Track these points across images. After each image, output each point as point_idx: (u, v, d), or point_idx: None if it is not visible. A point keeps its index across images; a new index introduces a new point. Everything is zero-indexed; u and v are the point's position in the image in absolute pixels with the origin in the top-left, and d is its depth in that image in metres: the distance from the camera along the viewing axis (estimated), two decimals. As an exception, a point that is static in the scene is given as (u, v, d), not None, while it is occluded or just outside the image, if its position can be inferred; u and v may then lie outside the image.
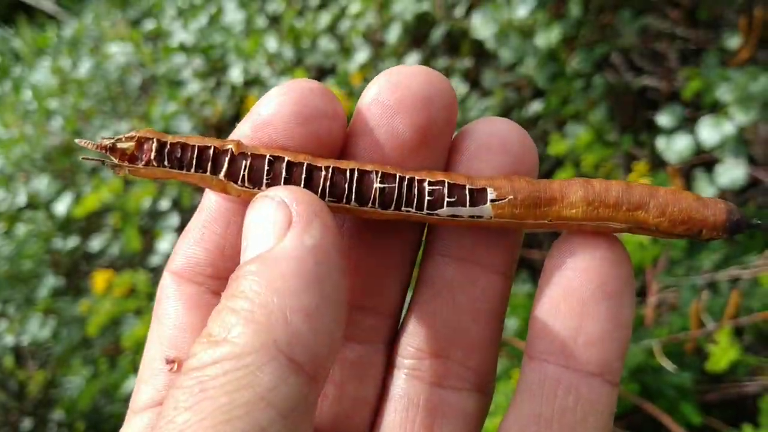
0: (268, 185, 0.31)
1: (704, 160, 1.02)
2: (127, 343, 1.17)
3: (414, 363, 0.34)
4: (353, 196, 0.31)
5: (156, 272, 1.34)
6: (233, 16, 1.57)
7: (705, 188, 0.98)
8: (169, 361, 0.32)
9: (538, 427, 0.30)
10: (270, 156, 0.31)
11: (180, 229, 1.35)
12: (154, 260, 1.33)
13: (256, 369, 0.25)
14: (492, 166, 0.32)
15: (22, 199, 1.39)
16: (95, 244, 1.37)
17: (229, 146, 0.31)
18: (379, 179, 0.31)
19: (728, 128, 0.95)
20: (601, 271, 0.30)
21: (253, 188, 0.31)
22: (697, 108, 1.13)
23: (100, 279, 1.23)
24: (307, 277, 0.26)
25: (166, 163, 0.31)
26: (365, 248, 0.34)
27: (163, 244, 1.31)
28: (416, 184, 0.31)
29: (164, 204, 1.33)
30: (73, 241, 1.39)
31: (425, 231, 0.35)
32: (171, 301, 0.34)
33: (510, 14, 1.15)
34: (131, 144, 0.31)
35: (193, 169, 0.31)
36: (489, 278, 0.33)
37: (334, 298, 0.27)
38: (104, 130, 1.38)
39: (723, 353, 0.85)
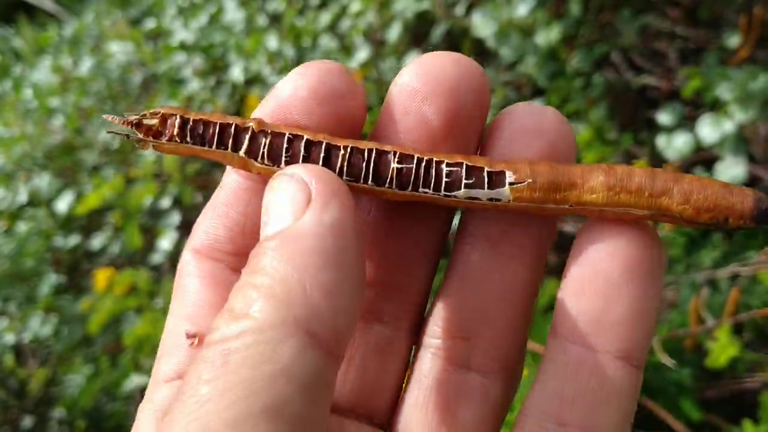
0: (287, 163, 0.31)
1: (704, 158, 1.02)
2: (128, 341, 1.17)
3: (439, 344, 0.34)
4: (370, 176, 0.31)
5: (157, 270, 1.34)
6: (234, 15, 1.58)
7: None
8: (190, 336, 0.33)
9: (561, 407, 0.30)
10: (289, 134, 0.31)
11: (180, 228, 1.35)
12: (155, 258, 1.34)
13: (277, 344, 0.25)
14: (526, 153, 0.32)
15: (23, 197, 1.39)
16: (96, 242, 1.37)
17: (250, 124, 0.31)
18: (396, 159, 0.31)
19: (728, 126, 0.96)
20: (630, 253, 0.30)
21: (273, 165, 0.31)
22: (696, 106, 1.13)
23: (101, 277, 1.24)
24: (325, 255, 0.27)
25: (188, 139, 0.32)
26: (393, 232, 0.34)
27: (163, 243, 1.32)
28: (434, 165, 0.31)
29: (165, 203, 1.33)
30: (74, 240, 1.39)
31: (456, 215, 0.35)
32: (191, 277, 0.34)
33: (510, 13, 1.15)
34: (156, 120, 0.32)
35: (214, 146, 0.32)
36: (518, 266, 0.33)
37: (352, 276, 0.27)
38: (105, 129, 1.38)
39: (722, 350, 0.86)
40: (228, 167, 0.34)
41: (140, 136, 0.32)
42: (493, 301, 0.33)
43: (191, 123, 0.32)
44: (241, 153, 0.31)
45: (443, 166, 0.31)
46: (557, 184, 0.30)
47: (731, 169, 0.96)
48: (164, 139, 0.32)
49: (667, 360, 0.89)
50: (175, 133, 0.32)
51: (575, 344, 0.30)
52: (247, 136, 0.31)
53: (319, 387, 0.26)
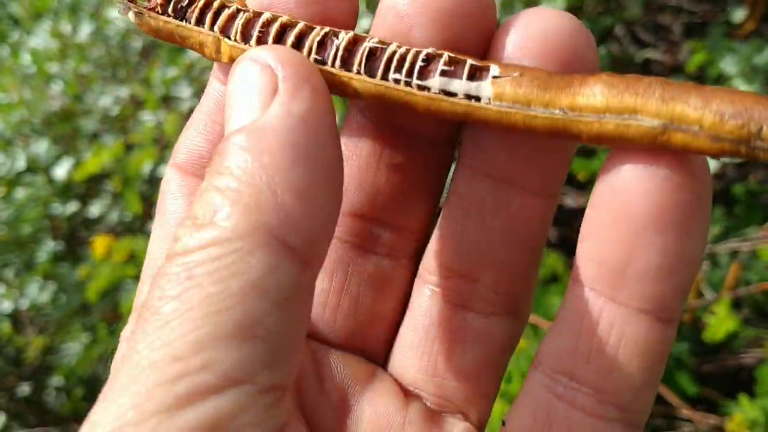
0: (258, 41, 0.29)
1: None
2: (126, 309, 1.17)
3: (439, 282, 0.31)
4: (339, 57, 0.27)
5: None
6: (235, -17, 1.56)
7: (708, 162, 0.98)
8: None
9: (575, 362, 0.27)
10: (269, 14, 0.29)
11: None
12: (154, 226, 1.33)
13: (247, 254, 0.23)
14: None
15: (21, 163, 1.39)
16: (94, 209, 1.37)
17: (234, 3, 0.30)
18: (372, 42, 0.27)
19: (732, 100, 0.95)
20: (662, 194, 0.24)
21: (243, 44, 0.29)
22: (701, 81, 1.12)
23: (99, 244, 1.23)
24: (297, 150, 0.24)
25: (170, 11, 0.31)
26: (387, 161, 0.31)
27: (162, 211, 1.31)
28: (412, 52, 0.27)
29: (164, 170, 1.32)
30: (72, 207, 1.38)
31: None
32: (173, 196, 0.32)
33: (515, -17, 1.14)
34: None
35: (193, 22, 0.30)
36: (526, 200, 0.29)
37: (328, 173, 0.25)
38: (104, 96, 1.37)
39: (721, 323, 0.86)
40: (210, 77, 0.32)
41: (126, 1, 0.32)
42: (499, 236, 0.30)
43: None
44: (216, 29, 0.30)
45: (423, 54, 0.27)
46: (549, 82, 0.25)
47: (734, 144, 0.95)
48: (147, 8, 0.31)
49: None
50: (159, 2, 0.31)
51: (594, 293, 0.26)
52: (227, 12, 0.30)
53: (296, 300, 0.24)
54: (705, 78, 1.05)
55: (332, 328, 0.33)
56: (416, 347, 0.32)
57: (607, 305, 0.26)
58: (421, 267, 0.32)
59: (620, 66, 1.22)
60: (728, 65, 0.96)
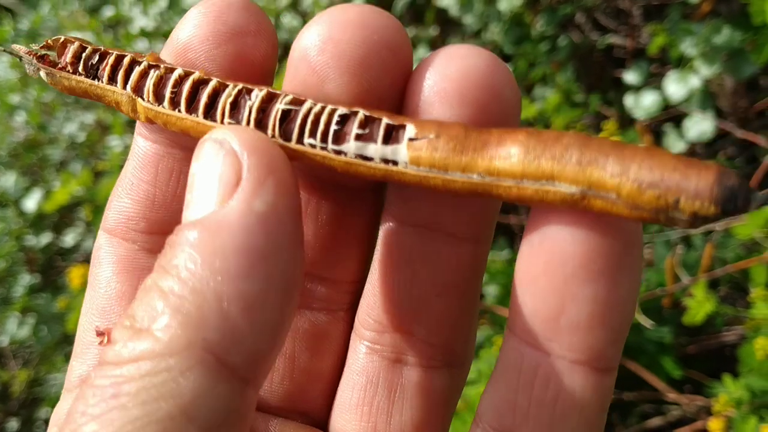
0: (171, 101, 0.27)
1: (672, 116, 1.02)
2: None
3: (374, 337, 0.30)
4: (252, 122, 0.26)
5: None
6: (193, -2, 1.55)
7: (675, 143, 0.99)
8: (100, 333, 0.28)
9: (514, 418, 0.26)
10: (181, 71, 0.27)
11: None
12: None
13: (179, 374, 0.20)
14: (448, 116, 0.25)
15: (-10, 197, 1.38)
16: (68, 239, 1.36)
17: (145, 58, 0.28)
18: (284, 101, 0.26)
19: (694, 82, 0.95)
20: (589, 242, 0.23)
21: (157, 105, 0.27)
22: (662, 63, 1.13)
23: (75, 275, 1.22)
24: (252, 255, 0.22)
25: (81, 70, 0.29)
26: (316, 216, 0.30)
27: (137, 235, 1.30)
28: (327, 111, 0.25)
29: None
30: (45, 238, 1.37)
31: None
32: (103, 265, 0.30)
33: (471, -20, 1.14)
34: (56, 49, 0.30)
35: (104, 81, 0.29)
36: (455, 248, 0.28)
37: (283, 281, 0.22)
38: (69, 123, 1.36)
39: (699, 306, 0.86)
40: (134, 134, 0.31)
41: (33, 61, 0.30)
42: (430, 287, 0.29)
43: (87, 52, 0.29)
44: (128, 89, 0.28)
45: (337, 114, 0.25)
46: (465, 144, 0.24)
47: (699, 125, 0.96)
48: (57, 68, 0.29)
49: (645, 320, 0.89)
50: (68, 60, 0.29)
51: (530, 346, 0.25)
52: (138, 69, 0.28)
53: (230, 425, 0.21)
54: (667, 60, 1.05)
55: (269, 391, 0.31)
56: (355, 408, 0.31)
57: (543, 358, 0.25)
58: (356, 321, 0.31)
59: (583, 54, 1.23)
60: (688, 47, 0.96)
